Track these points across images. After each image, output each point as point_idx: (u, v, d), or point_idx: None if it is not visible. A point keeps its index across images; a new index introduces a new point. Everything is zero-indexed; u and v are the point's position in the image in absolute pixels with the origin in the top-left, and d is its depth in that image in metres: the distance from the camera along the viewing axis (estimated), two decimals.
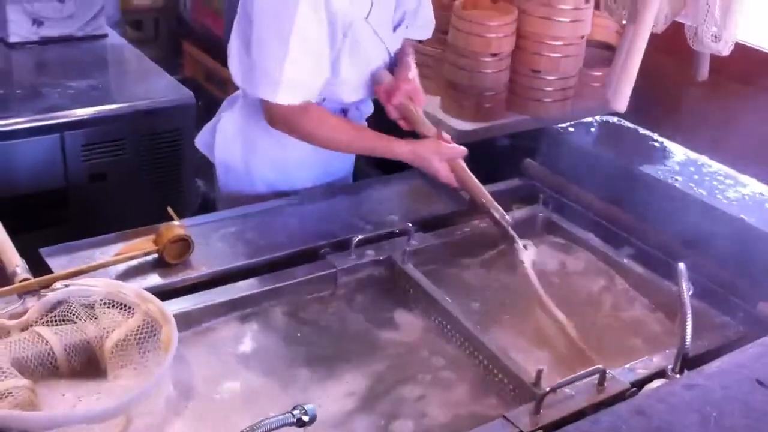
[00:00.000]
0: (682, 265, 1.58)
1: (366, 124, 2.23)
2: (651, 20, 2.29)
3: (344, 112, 2.15)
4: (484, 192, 1.97)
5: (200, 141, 2.26)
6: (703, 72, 2.48)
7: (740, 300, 1.74)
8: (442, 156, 1.99)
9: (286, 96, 1.93)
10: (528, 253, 1.86)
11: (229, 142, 2.16)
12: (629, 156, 2.11)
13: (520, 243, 1.87)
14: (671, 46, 2.47)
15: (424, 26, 2.28)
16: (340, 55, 1.98)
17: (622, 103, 2.40)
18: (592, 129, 2.25)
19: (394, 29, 2.10)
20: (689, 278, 1.59)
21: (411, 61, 2.16)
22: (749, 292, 1.74)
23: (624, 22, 2.52)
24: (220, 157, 2.18)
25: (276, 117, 2.00)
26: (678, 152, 2.13)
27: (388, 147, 2.04)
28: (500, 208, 1.93)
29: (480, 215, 1.98)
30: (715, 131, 2.50)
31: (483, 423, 1.42)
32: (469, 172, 2.00)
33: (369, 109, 2.25)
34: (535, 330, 1.74)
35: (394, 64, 2.15)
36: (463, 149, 2.02)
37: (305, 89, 1.95)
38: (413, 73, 2.13)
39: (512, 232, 1.89)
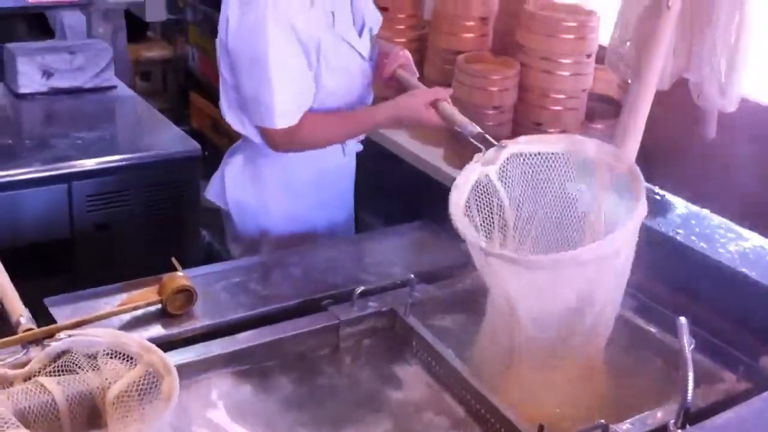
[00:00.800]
0: (683, 319, 1.58)
1: (354, 162, 2.42)
2: (655, 78, 2.31)
3: None
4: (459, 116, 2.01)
5: (210, 191, 2.34)
6: (711, 131, 2.49)
7: (742, 354, 1.74)
8: (425, 100, 2.08)
9: (283, 120, 2.05)
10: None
11: (238, 180, 2.26)
12: None
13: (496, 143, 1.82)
14: (674, 101, 2.50)
15: (376, 25, 2.37)
16: (319, 69, 2.10)
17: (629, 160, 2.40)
18: None
19: (360, 34, 2.21)
20: (691, 332, 1.59)
21: (395, 46, 2.33)
22: (751, 346, 1.73)
23: (629, 80, 2.55)
24: (233, 199, 2.27)
25: (278, 140, 2.11)
26: (680, 205, 2.14)
27: (373, 118, 2.20)
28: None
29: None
30: (717, 185, 2.51)
31: None
32: (451, 106, 2.06)
33: (356, 149, 2.38)
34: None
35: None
36: (447, 89, 2.13)
37: (297, 109, 2.08)
38: (404, 51, 2.29)
39: (490, 138, 1.84)
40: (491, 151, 1.77)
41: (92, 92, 3.03)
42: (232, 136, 4.12)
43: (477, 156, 1.78)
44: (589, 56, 2.80)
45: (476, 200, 1.72)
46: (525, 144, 1.79)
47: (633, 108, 2.36)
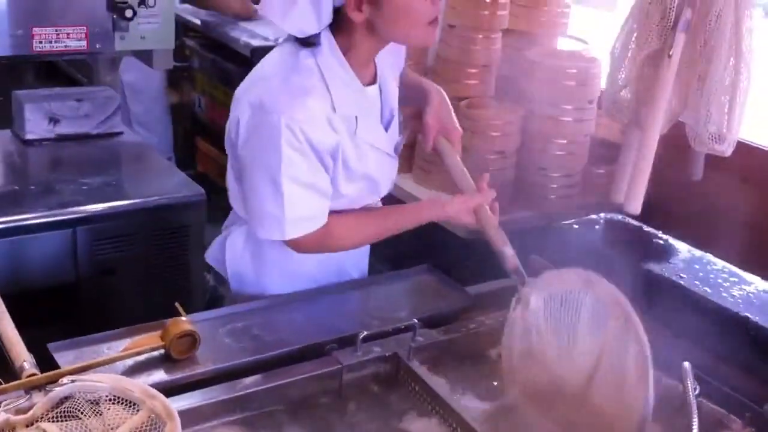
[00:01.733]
0: (687, 364, 1.58)
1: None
2: (659, 125, 2.34)
3: None
4: (498, 230, 1.97)
5: (210, 256, 2.26)
6: (698, 172, 2.52)
7: (748, 400, 1.73)
8: (471, 206, 2.01)
9: (294, 231, 1.93)
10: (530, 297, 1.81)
11: (239, 255, 2.16)
12: (634, 253, 2.12)
13: (527, 280, 1.85)
14: (674, 144, 2.52)
15: (400, 63, 2.24)
16: (335, 176, 1.97)
17: (635, 206, 2.42)
18: (597, 226, 2.28)
19: (387, 127, 2.08)
20: (695, 377, 1.59)
21: (432, 91, 2.16)
22: (756, 391, 1.73)
23: (625, 121, 2.57)
24: (232, 270, 2.18)
25: (302, 247, 2.00)
26: (683, 249, 2.15)
27: (416, 216, 2.09)
28: (511, 249, 1.93)
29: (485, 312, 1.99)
30: (720, 229, 2.52)
31: None
32: (489, 213, 2.01)
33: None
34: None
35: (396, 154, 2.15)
36: (487, 198, 2.02)
37: (311, 219, 1.94)
38: (446, 106, 2.15)
39: (521, 270, 1.89)
40: (525, 290, 1.81)
41: (99, 138, 3.06)
42: None
43: (513, 302, 1.80)
44: (591, 102, 2.84)
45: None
46: (551, 281, 1.81)
47: (638, 155, 2.39)
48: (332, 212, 1.99)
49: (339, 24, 1.91)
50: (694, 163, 2.51)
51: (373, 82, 2.03)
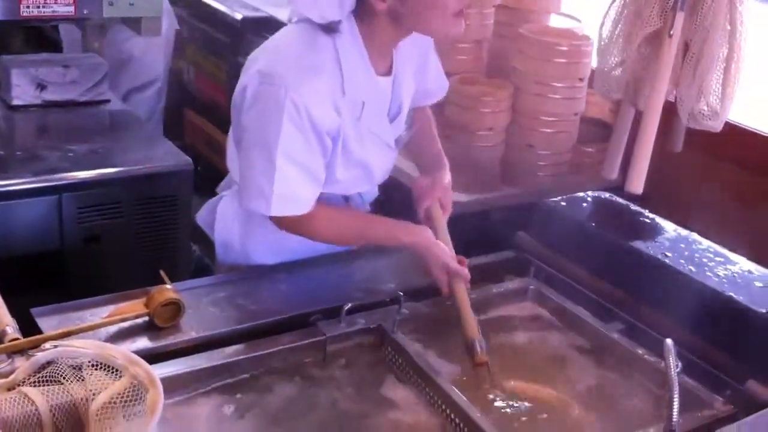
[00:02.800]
0: (669, 341, 1.58)
1: (369, 209, 2.23)
2: (660, 104, 2.34)
3: (346, 199, 2.14)
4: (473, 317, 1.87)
5: (201, 218, 2.26)
6: (678, 144, 2.54)
7: (729, 377, 1.74)
8: (448, 269, 1.93)
9: (278, 209, 1.90)
10: None
11: (228, 224, 2.15)
12: (620, 231, 2.13)
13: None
14: (663, 123, 2.52)
15: (436, 92, 2.27)
16: (333, 160, 1.95)
17: (637, 186, 2.42)
18: (585, 204, 2.28)
19: (393, 120, 2.06)
20: (678, 355, 1.59)
21: (445, 164, 2.17)
22: (738, 369, 1.74)
23: (614, 98, 2.57)
24: (220, 237, 2.18)
25: (282, 225, 1.98)
26: (669, 228, 2.15)
27: (397, 237, 2.02)
28: (478, 335, 1.81)
29: (471, 286, 1.98)
30: (707, 209, 2.53)
31: None
32: (466, 296, 1.91)
33: (372, 196, 2.24)
34: (527, 403, 1.73)
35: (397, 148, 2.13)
36: (467, 275, 1.94)
37: (297, 202, 1.92)
38: (448, 178, 2.13)
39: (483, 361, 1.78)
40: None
41: (86, 106, 3.03)
42: (224, 152, 4.14)
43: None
44: (581, 80, 2.83)
45: None
46: None
47: (639, 135, 2.39)
48: (321, 201, 1.97)
49: (361, 10, 1.88)
50: (675, 135, 2.52)
51: (388, 73, 2.01)
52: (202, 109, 4.53)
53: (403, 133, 2.13)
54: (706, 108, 2.35)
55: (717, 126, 2.38)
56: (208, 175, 2.80)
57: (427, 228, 2.02)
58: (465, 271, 1.94)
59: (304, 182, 1.90)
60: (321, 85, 1.87)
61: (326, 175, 1.96)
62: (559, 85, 2.80)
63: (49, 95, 2.98)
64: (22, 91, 2.94)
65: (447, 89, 2.32)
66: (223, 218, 2.16)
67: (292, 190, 1.90)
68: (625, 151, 2.58)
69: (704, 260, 1.99)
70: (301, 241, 2.09)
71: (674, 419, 1.46)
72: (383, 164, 2.10)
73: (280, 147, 1.84)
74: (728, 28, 2.28)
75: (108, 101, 3.09)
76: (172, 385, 1.59)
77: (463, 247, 2.08)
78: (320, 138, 1.88)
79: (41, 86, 2.96)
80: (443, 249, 1.96)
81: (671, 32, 2.27)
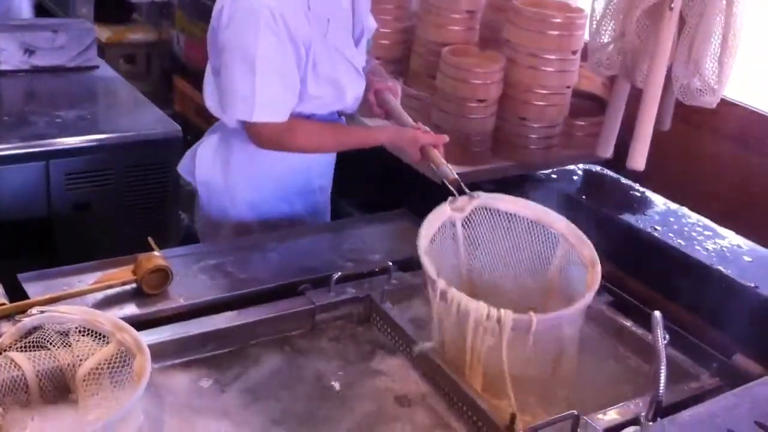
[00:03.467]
0: (657, 314, 1.58)
1: None
2: (661, 79, 2.32)
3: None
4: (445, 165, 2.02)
5: (182, 167, 2.32)
6: (667, 122, 2.53)
7: (716, 351, 1.75)
8: (423, 142, 2.06)
9: (262, 114, 2.02)
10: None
11: (209, 163, 2.24)
12: (610, 204, 2.13)
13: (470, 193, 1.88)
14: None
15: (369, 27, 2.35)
16: (305, 74, 2.07)
17: (639, 163, 2.41)
18: (575, 177, 2.28)
19: (356, 44, 2.18)
20: (665, 328, 1.60)
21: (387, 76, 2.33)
22: (725, 343, 1.75)
23: (607, 74, 2.56)
24: (201, 179, 2.24)
25: (263, 138, 2.08)
26: (659, 202, 2.15)
27: (371, 135, 2.19)
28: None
29: None
30: (697, 184, 2.53)
31: None
32: (437, 152, 2.06)
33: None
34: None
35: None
36: (441, 137, 2.11)
37: (279, 107, 2.04)
38: (396, 83, 2.31)
39: (464, 187, 1.91)
40: (463, 198, 1.84)
41: (74, 71, 3.00)
42: (213, 120, 4.11)
43: (450, 198, 1.84)
44: (574, 53, 2.80)
45: (440, 240, 1.77)
46: (497, 201, 1.86)
47: (640, 110, 2.37)
48: (299, 115, 2.09)
49: None
50: (664, 113, 2.51)
51: None
52: (191, 77, 4.49)
53: (365, 65, 2.25)
54: (700, 84, 2.34)
55: (713, 102, 2.37)
56: None
57: (390, 124, 2.20)
58: (437, 138, 2.09)
59: (282, 88, 2.03)
60: None
61: (300, 91, 2.07)
62: (552, 57, 2.77)
63: (37, 60, 2.95)
64: (10, 56, 2.91)
65: (374, 30, 2.39)
66: (203, 160, 2.24)
67: (272, 96, 2.02)
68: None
69: (693, 234, 1.99)
70: (280, 169, 2.19)
71: (661, 390, 1.46)
72: (354, 88, 2.19)
73: (258, 54, 1.96)
74: (725, 2, 2.26)
75: (97, 67, 3.06)
76: (160, 351, 1.58)
77: None
78: (295, 46, 2.01)
79: (29, 51, 2.93)
80: (407, 131, 2.11)
81: (672, 5, 2.25)
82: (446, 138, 2.11)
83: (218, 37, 2.04)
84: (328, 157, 2.36)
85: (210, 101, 2.18)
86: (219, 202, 2.22)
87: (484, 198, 1.86)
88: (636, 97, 2.56)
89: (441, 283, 1.61)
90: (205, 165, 2.23)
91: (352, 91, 2.19)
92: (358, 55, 2.18)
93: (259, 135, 2.07)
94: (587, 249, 1.74)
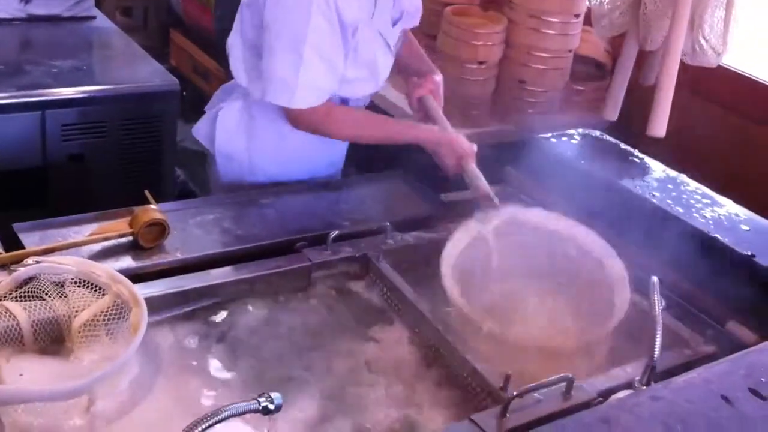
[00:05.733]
0: (655, 279, 1.59)
1: None
2: (681, 44, 2.31)
3: (344, 102, 2.16)
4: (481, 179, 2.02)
5: (199, 131, 2.23)
6: (651, 77, 2.52)
7: (711, 318, 1.76)
8: (462, 153, 2.05)
9: (301, 100, 1.96)
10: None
11: (232, 133, 2.16)
12: (609, 169, 2.12)
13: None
14: (638, 58, 2.51)
15: (413, 14, 2.29)
16: (346, 57, 2.01)
17: (660, 130, 2.40)
18: (574, 141, 2.26)
19: (393, 24, 2.13)
20: (662, 294, 1.60)
21: (435, 68, 2.27)
22: (720, 310, 1.75)
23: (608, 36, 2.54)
24: (222, 149, 2.17)
25: (300, 120, 2.03)
26: (657, 169, 2.14)
27: (413, 133, 2.11)
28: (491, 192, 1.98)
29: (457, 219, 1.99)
30: (697, 152, 2.52)
31: (450, 425, 1.42)
32: (474, 165, 2.05)
33: (365, 103, 2.27)
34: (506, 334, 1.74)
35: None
36: (474, 151, 2.07)
37: (319, 92, 1.98)
38: (439, 77, 2.23)
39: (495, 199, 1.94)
40: (490, 212, 1.89)
41: (70, 21, 2.97)
42: (211, 77, 4.08)
43: (477, 214, 1.89)
44: (577, 16, 2.79)
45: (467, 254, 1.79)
46: (525, 215, 1.91)
47: (661, 76, 2.36)
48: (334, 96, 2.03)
49: None
50: (647, 67, 2.51)
51: None
52: (189, 32, 4.45)
53: (399, 41, 2.20)
54: (704, 44, 2.32)
55: (714, 62, 2.36)
56: (194, 99, 2.76)
57: (433, 126, 2.12)
58: (473, 148, 2.07)
59: (326, 74, 1.97)
60: None
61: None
62: (554, 20, 2.76)
63: (34, 9, 2.91)
64: (6, 4, 2.87)
65: (421, 13, 2.32)
66: (224, 129, 2.16)
67: (315, 81, 1.96)
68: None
69: (692, 201, 1.99)
70: (309, 148, 2.14)
71: (655, 354, 1.47)
72: (385, 67, 2.14)
73: (308, 39, 1.90)
74: None
75: (94, 17, 3.03)
76: (155, 304, 1.58)
77: (450, 182, 2.07)
78: (344, 31, 1.95)
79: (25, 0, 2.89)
80: (448, 137, 2.08)
81: None
82: (475, 150, 2.08)
83: (263, 12, 1.95)
84: None
85: (239, 72, 2.08)
86: (238, 173, 2.16)
87: (512, 210, 1.89)
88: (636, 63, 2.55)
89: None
90: (227, 135, 2.15)
91: (384, 73, 2.14)
92: (393, 36, 2.13)
93: (295, 119, 2.02)
94: (617, 265, 1.76)
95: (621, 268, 1.76)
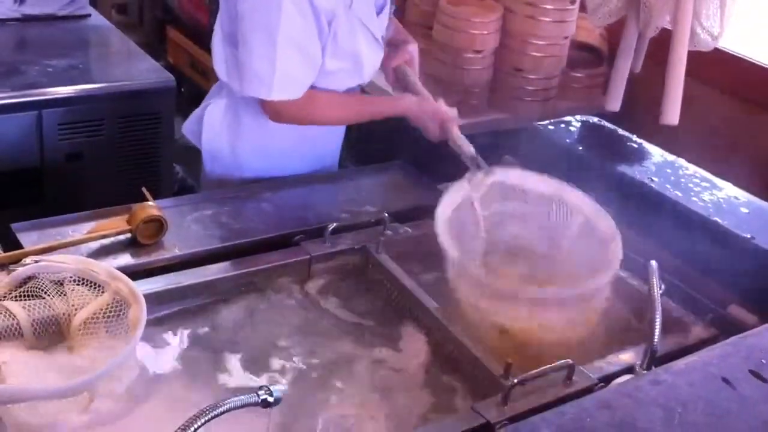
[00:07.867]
0: (654, 263, 1.58)
1: None
2: (688, 31, 2.30)
3: None
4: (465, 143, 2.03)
5: (187, 128, 2.23)
6: (638, 65, 2.52)
7: (711, 302, 1.75)
8: (443, 118, 2.07)
9: (279, 93, 1.93)
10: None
11: (216, 129, 2.14)
12: (607, 156, 2.11)
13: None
14: (654, 51, 2.49)
15: None
16: (324, 47, 1.97)
17: (673, 117, 2.39)
18: (572, 128, 2.26)
19: (379, 12, 2.09)
20: (661, 278, 1.60)
21: (410, 38, 2.27)
22: (720, 294, 1.75)
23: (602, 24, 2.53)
24: (207, 145, 2.16)
25: (282, 113, 1.99)
26: (656, 154, 2.14)
27: (393, 106, 2.14)
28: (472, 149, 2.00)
29: None
30: (694, 135, 2.52)
31: (451, 413, 1.42)
32: (456, 129, 2.07)
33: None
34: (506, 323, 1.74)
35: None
36: (455, 115, 2.09)
37: (297, 84, 1.95)
38: (414, 46, 2.23)
39: (482, 163, 1.95)
40: (480, 174, 1.87)
41: (65, 20, 2.96)
42: (208, 73, 4.07)
43: (468, 175, 1.88)
44: (573, 3, 2.78)
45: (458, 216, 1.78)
46: (514, 176, 1.88)
47: (670, 64, 2.35)
48: (316, 88, 2.01)
49: None
50: (638, 54, 2.50)
51: None
52: (185, 28, 4.43)
53: (387, 30, 2.18)
54: (699, 29, 2.31)
55: (711, 45, 2.35)
56: (191, 96, 2.75)
57: (408, 94, 2.13)
58: (454, 112, 2.09)
59: (303, 65, 1.94)
60: None
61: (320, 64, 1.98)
62: (550, 7, 2.75)
63: (28, 9, 2.91)
64: (0, 4, 2.86)
65: None
66: (210, 126, 2.15)
67: (292, 73, 1.93)
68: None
69: (690, 185, 1.98)
70: (291, 138, 2.12)
71: (655, 338, 1.47)
72: (371, 59, 2.10)
73: (281, 30, 1.87)
74: None
75: (88, 15, 3.02)
76: (154, 301, 1.58)
77: (448, 170, 2.06)
78: (318, 20, 1.91)
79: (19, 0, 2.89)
80: (430, 104, 2.09)
81: None
82: (456, 114, 2.11)
83: (236, 6, 1.92)
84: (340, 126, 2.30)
85: (219, 66, 2.06)
86: (223, 169, 2.15)
87: (501, 173, 1.88)
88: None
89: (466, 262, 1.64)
90: (212, 132, 2.14)
91: (371, 65, 2.10)
92: (379, 25, 2.09)
93: (278, 113, 1.99)
94: (606, 222, 1.75)
95: (610, 223, 1.75)
